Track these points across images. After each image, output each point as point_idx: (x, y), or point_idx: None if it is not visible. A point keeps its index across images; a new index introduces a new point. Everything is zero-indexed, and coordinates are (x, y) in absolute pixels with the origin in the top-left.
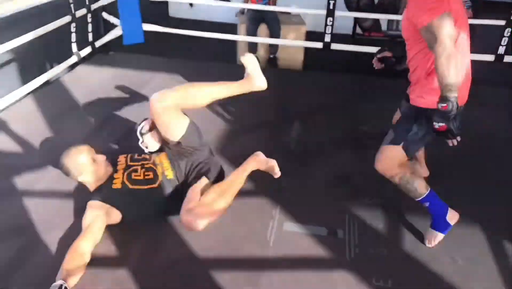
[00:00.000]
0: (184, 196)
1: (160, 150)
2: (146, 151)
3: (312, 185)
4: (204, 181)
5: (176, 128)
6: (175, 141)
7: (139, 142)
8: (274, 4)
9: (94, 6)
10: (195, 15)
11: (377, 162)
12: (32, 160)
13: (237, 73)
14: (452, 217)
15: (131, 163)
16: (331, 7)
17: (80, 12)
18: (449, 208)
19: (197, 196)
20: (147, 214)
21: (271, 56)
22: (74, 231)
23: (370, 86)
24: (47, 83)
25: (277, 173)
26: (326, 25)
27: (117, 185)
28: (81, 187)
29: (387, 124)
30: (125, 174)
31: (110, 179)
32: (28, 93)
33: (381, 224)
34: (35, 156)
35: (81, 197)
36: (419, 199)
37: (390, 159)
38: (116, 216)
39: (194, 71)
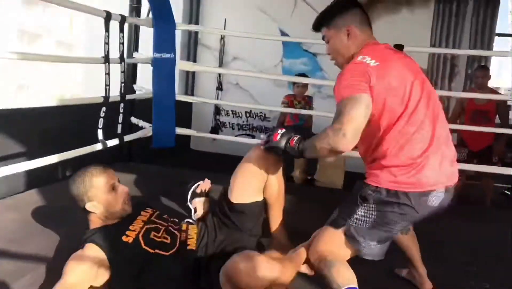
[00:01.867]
0: (203, 273)
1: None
2: (192, 214)
3: None
4: None
5: (245, 191)
6: (231, 203)
7: (188, 201)
8: (311, 124)
9: (128, 97)
10: (218, 148)
11: (313, 242)
12: None
13: None
14: None
15: (156, 219)
16: None
17: (113, 98)
18: None
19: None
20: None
21: (309, 178)
22: None
23: None
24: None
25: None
26: None
27: (129, 238)
28: None
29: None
30: (144, 228)
31: (123, 224)
32: None
33: None
34: None
35: None
36: None
37: (324, 243)
38: (101, 277)
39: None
